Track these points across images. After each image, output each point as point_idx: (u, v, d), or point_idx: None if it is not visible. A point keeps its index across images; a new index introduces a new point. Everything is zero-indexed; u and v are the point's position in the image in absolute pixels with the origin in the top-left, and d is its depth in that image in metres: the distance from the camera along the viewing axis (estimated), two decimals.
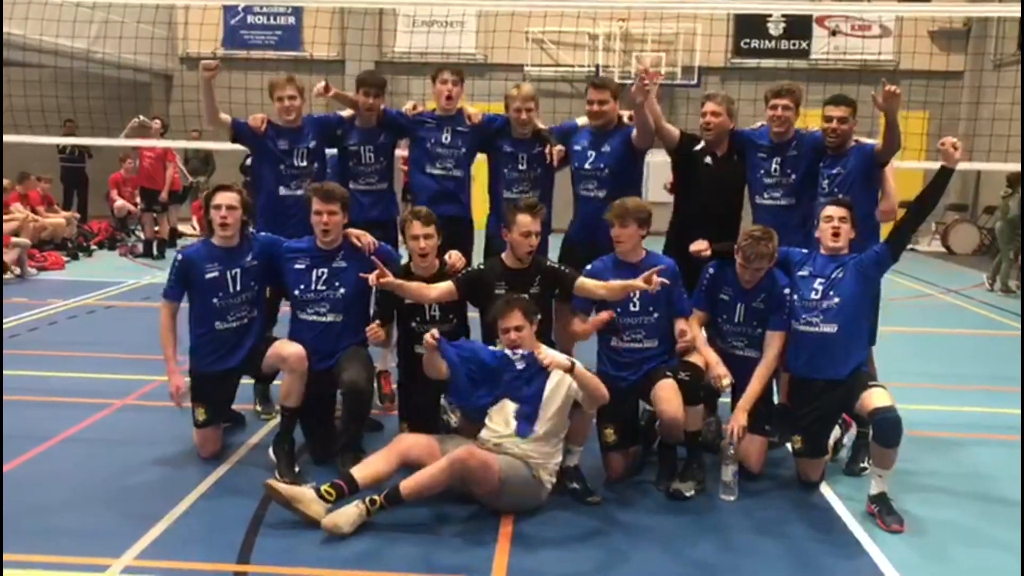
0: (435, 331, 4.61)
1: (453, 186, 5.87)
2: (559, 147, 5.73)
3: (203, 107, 5.73)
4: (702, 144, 5.52)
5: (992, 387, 7.07)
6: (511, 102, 5.74)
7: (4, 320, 8.37)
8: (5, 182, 12.38)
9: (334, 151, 6.06)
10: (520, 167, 5.78)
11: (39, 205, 13.69)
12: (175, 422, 5.30)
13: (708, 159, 5.48)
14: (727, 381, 4.84)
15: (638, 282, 4.61)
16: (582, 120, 5.83)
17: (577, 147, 5.72)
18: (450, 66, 5.99)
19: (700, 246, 5.11)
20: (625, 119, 5.69)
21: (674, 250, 5.37)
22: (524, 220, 4.89)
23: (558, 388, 4.48)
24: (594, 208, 5.43)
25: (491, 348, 4.74)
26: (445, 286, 4.96)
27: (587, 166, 5.67)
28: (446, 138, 5.84)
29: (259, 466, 4.93)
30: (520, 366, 4.54)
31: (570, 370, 4.39)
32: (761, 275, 4.89)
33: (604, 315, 4.87)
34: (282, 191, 5.74)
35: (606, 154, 5.62)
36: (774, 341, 4.89)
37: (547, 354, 4.44)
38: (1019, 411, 5.95)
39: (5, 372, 6.21)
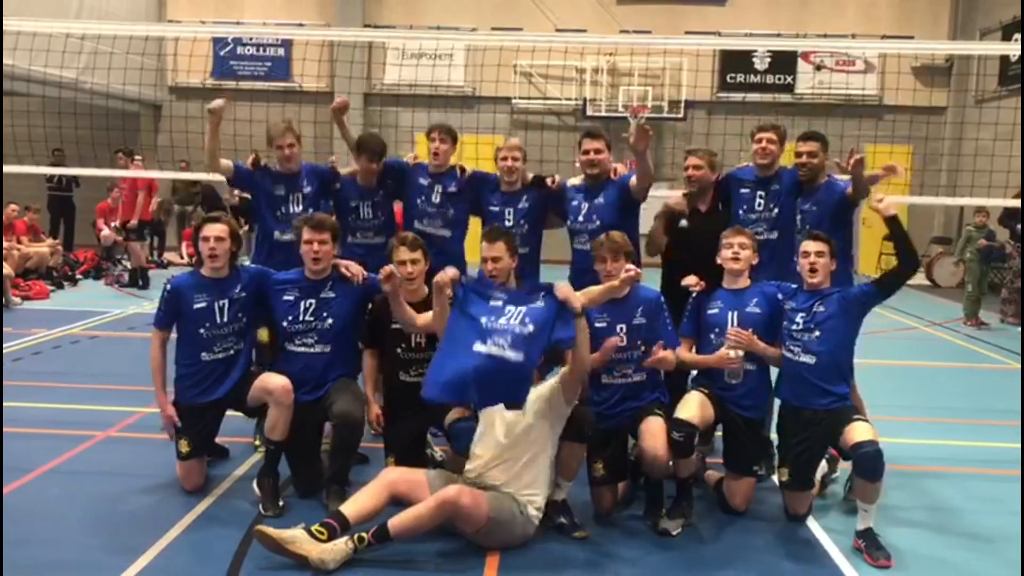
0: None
1: (439, 244, 5.77)
2: (558, 176, 5.83)
3: (206, 150, 5.81)
4: (683, 221, 5.61)
5: (976, 420, 7.10)
6: (499, 152, 5.84)
7: None
8: None
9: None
10: (507, 223, 5.74)
11: (24, 235, 13.65)
12: (159, 454, 5.26)
13: (684, 222, 5.58)
14: (734, 353, 4.82)
15: (616, 282, 4.71)
16: (572, 180, 5.84)
17: (572, 203, 5.70)
18: (443, 126, 5.99)
19: (691, 280, 5.11)
20: (615, 172, 5.69)
21: (668, 285, 5.43)
22: (483, 246, 5.02)
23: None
24: (588, 261, 5.25)
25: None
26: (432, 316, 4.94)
27: (580, 218, 5.63)
28: (436, 198, 5.91)
29: (243, 499, 4.91)
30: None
31: (579, 315, 4.43)
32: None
33: (613, 341, 4.79)
34: (276, 235, 5.79)
35: (599, 207, 5.58)
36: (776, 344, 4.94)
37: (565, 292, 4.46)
38: (1003, 444, 5.97)
39: None
